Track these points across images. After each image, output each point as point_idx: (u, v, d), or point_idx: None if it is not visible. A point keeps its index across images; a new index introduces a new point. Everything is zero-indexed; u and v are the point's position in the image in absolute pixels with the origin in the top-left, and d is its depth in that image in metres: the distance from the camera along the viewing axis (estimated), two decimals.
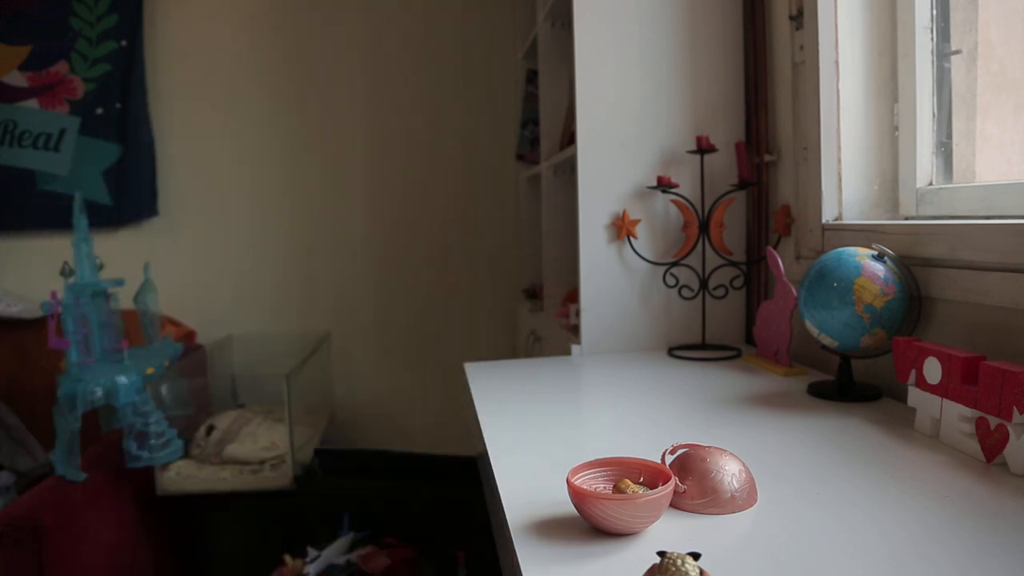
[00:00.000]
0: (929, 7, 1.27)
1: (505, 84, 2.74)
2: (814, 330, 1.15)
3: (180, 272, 2.63)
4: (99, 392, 1.66)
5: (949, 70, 1.26)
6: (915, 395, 0.98)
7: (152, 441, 1.73)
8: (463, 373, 1.47)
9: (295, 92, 2.65)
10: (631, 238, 1.61)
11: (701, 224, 1.59)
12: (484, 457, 1.00)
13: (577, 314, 1.65)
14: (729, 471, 0.77)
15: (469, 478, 1.90)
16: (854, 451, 0.92)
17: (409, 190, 2.76)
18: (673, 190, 1.57)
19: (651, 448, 0.83)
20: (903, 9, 1.31)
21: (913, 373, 0.98)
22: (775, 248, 1.47)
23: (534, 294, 2.43)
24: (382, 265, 2.77)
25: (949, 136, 1.27)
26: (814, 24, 1.36)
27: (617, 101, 1.59)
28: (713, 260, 1.61)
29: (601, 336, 1.62)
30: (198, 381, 2.12)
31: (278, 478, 1.90)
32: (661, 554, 0.54)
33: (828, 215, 1.37)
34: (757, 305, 1.53)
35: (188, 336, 2.47)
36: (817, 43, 1.35)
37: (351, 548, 1.91)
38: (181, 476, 1.84)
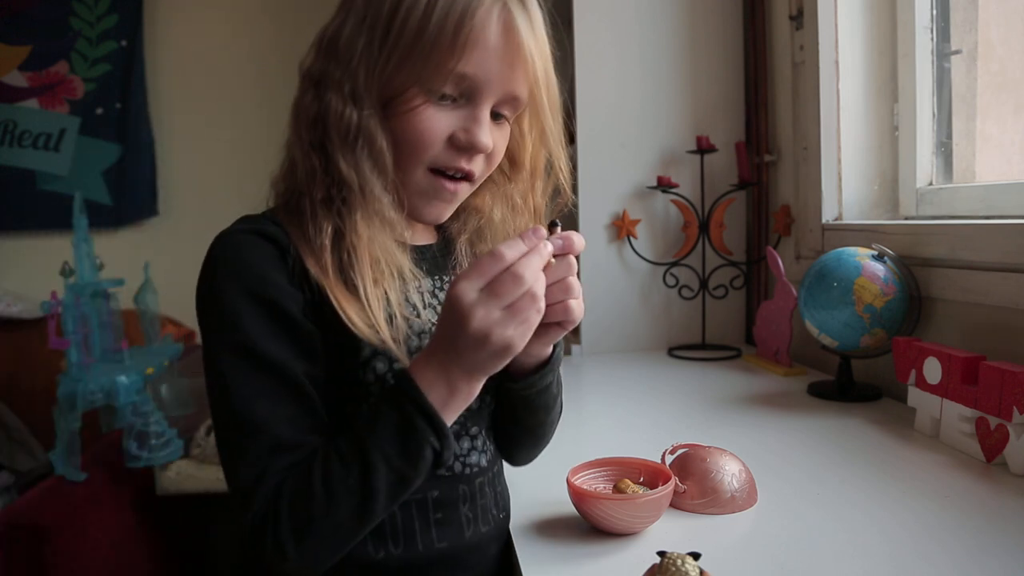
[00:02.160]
0: (929, 7, 1.27)
1: None
2: (814, 330, 1.15)
3: (180, 272, 2.62)
4: (99, 392, 1.66)
5: (949, 70, 1.26)
6: (915, 395, 0.98)
7: (152, 441, 1.73)
8: None
9: (295, 92, 2.64)
10: (631, 238, 1.61)
11: (701, 224, 1.59)
12: None
13: None
14: (729, 471, 0.77)
15: None
16: (854, 451, 0.92)
17: None
18: (673, 190, 1.57)
19: (651, 448, 0.83)
20: (903, 9, 1.31)
21: (913, 373, 0.98)
22: (775, 248, 1.47)
23: None
24: None
25: (949, 136, 1.27)
26: (814, 24, 1.35)
27: (617, 101, 1.59)
28: (713, 260, 1.61)
29: (601, 336, 1.62)
30: (198, 381, 2.12)
31: None
32: (661, 554, 0.54)
33: (828, 215, 1.37)
34: (757, 305, 1.53)
35: (188, 336, 2.47)
36: (817, 43, 1.35)
37: None
38: (181, 476, 1.84)
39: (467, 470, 0.73)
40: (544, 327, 0.65)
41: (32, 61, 2.56)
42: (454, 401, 0.61)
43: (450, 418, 0.61)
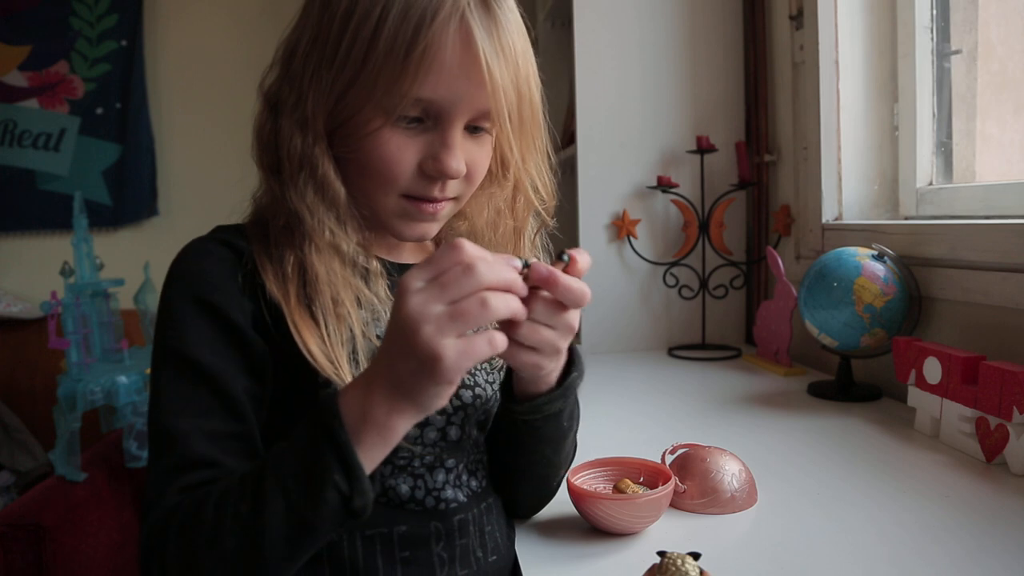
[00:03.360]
0: (929, 7, 1.27)
1: None
2: (814, 330, 1.15)
3: None
4: (99, 392, 1.66)
5: (949, 70, 1.26)
6: (915, 395, 0.98)
7: None
8: None
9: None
10: (631, 238, 1.61)
11: (701, 224, 1.59)
12: None
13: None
14: (729, 471, 0.77)
15: None
16: (854, 451, 0.92)
17: None
18: (673, 190, 1.57)
19: (651, 448, 0.83)
20: (903, 9, 1.31)
21: (913, 373, 0.98)
22: (775, 248, 1.47)
23: None
24: None
25: (949, 136, 1.27)
26: (814, 24, 1.35)
27: (617, 101, 1.59)
28: (713, 260, 1.61)
29: (601, 336, 1.62)
30: None
31: None
32: (661, 554, 0.54)
33: (828, 215, 1.37)
34: (757, 305, 1.52)
35: None
36: (817, 43, 1.35)
37: None
38: None
39: (441, 506, 0.66)
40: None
41: (32, 61, 2.56)
42: (365, 431, 0.49)
43: (366, 455, 0.50)
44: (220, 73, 2.65)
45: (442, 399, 0.50)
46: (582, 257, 0.54)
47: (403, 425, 0.51)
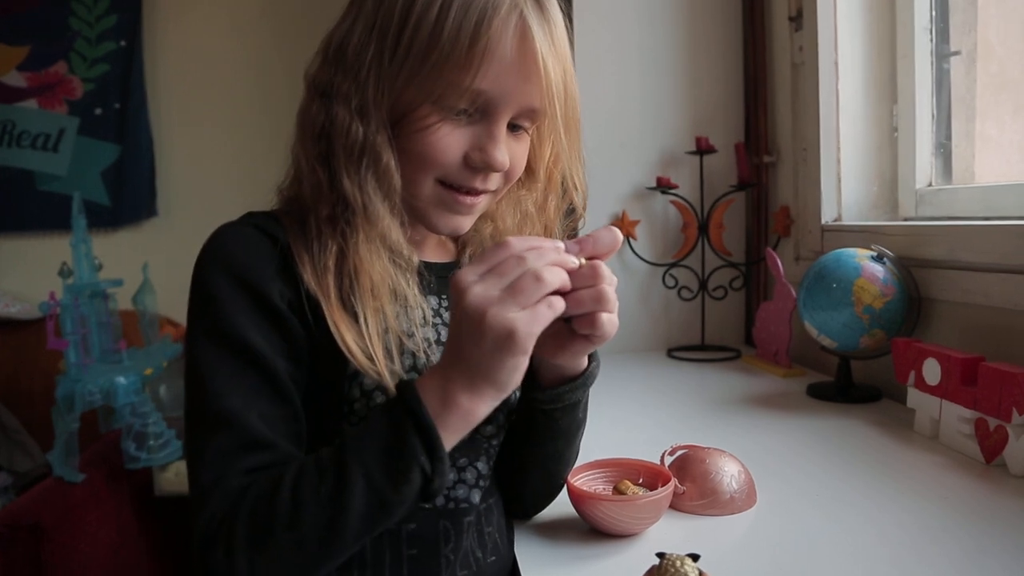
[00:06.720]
0: (928, 8, 1.27)
1: None
2: (813, 331, 1.15)
3: (179, 272, 2.61)
4: (97, 393, 1.65)
5: (948, 71, 1.26)
6: (914, 396, 0.98)
7: (151, 442, 1.72)
8: None
9: (294, 92, 2.63)
10: (630, 239, 1.61)
11: (700, 225, 1.59)
12: None
13: None
14: (728, 472, 0.77)
15: None
16: (853, 452, 0.92)
17: None
18: (672, 191, 1.57)
19: (650, 449, 0.83)
20: (902, 10, 1.31)
21: (912, 374, 0.98)
22: (774, 249, 1.47)
23: None
24: None
25: (948, 137, 1.27)
26: (813, 25, 1.35)
27: (617, 101, 1.59)
28: (712, 261, 1.61)
29: None
30: None
31: None
32: (660, 555, 0.54)
33: (827, 216, 1.37)
34: (756, 306, 1.52)
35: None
36: (816, 44, 1.35)
37: None
38: (179, 477, 1.83)
39: (451, 505, 0.67)
40: (572, 339, 0.60)
41: (31, 61, 2.56)
42: (449, 416, 0.53)
43: (447, 439, 0.53)
44: (220, 73, 2.64)
45: (519, 373, 0.53)
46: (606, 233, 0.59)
47: (484, 408, 0.54)
